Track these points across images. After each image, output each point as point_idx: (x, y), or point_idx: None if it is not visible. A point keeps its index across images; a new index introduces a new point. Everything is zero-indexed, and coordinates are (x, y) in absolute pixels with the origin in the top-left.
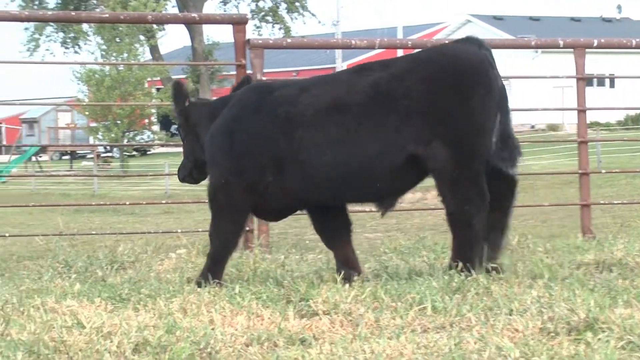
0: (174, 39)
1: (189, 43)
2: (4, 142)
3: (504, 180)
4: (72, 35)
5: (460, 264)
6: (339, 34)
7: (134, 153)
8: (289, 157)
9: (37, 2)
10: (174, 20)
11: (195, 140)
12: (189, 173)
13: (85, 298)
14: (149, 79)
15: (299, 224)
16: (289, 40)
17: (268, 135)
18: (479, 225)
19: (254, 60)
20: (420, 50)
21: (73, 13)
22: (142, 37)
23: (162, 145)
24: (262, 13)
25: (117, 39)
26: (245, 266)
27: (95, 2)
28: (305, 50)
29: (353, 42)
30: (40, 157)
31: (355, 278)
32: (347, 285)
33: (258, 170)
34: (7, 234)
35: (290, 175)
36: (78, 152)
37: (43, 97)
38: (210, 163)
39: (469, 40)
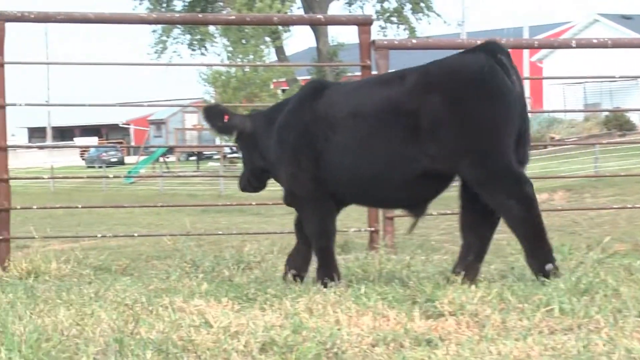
0: (299, 40)
1: (314, 44)
2: (133, 143)
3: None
4: (198, 37)
5: (541, 263)
6: (464, 35)
7: None
8: (324, 156)
9: (164, 5)
10: (299, 21)
11: (252, 149)
12: (248, 182)
13: (213, 297)
14: (274, 80)
15: (425, 224)
16: (414, 40)
17: (311, 132)
18: (536, 212)
19: (379, 61)
20: (429, 62)
21: (200, 15)
22: (267, 39)
23: None
24: (387, 14)
25: (243, 41)
26: (371, 267)
27: (221, 4)
28: (430, 51)
29: (479, 42)
30: (167, 158)
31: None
32: (473, 287)
33: (311, 162)
34: (135, 234)
35: (325, 173)
36: (205, 153)
37: (170, 99)
38: (278, 159)
39: (482, 48)
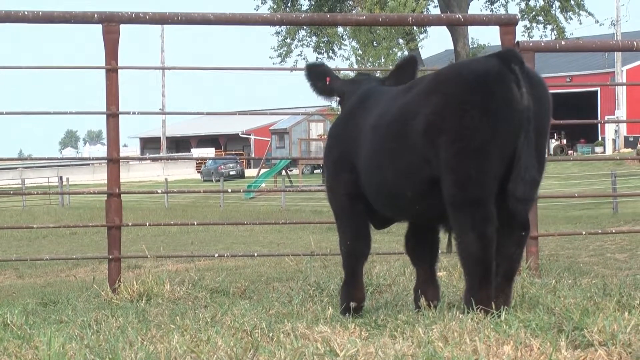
0: (435, 42)
1: (451, 46)
2: (253, 155)
3: (513, 217)
4: (325, 39)
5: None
6: (618, 35)
7: None
8: (357, 165)
9: (289, 5)
10: (436, 21)
11: None
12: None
13: (339, 324)
14: None
15: (573, 244)
16: (562, 42)
17: (350, 142)
18: (491, 254)
19: None
20: (443, 68)
21: (328, 15)
22: (400, 41)
23: None
24: (533, 13)
25: (374, 43)
26: (513, 291)
27: (351, 3)
28: (580, 53)
29: (635, 43)
30: (290, 170)
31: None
32: (626, 314)
33: (347, 174)
34: (255, 254)
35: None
36: None
37: (294, 107)
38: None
39: (497, 55)
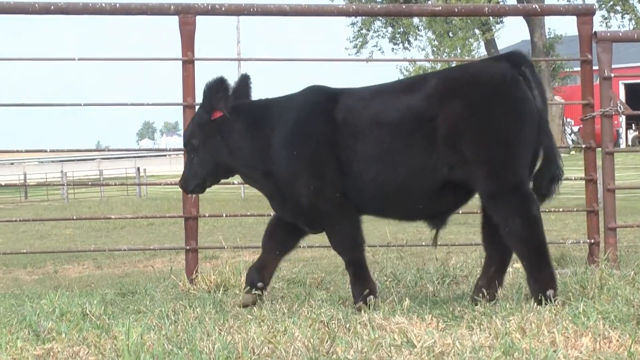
0: (511, 32)
1: (527, 37)
2: None
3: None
4: (401, 30)
5: (542, 287)
6: None
7: None
8: (348, 167)
9: None
10: (512, 12)
11: (221, 144)
12: (202, 182)
13: (415, 315)
14: None
15: None
16: None
17: (334, 142)
18: (540, 233)
19: (601, 55)
20: (453, 67)
21: (403, 6)
22: (477, 31)
23: None
24: (610, 2)
25: (450, 34)
26: (590, 282)
27: None
28: None
29: None
30: None
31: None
32: None
33: (336, 174)
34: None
35: (348, 185)
36: None
37: None
38: (292, 174)
39: (506, 57)
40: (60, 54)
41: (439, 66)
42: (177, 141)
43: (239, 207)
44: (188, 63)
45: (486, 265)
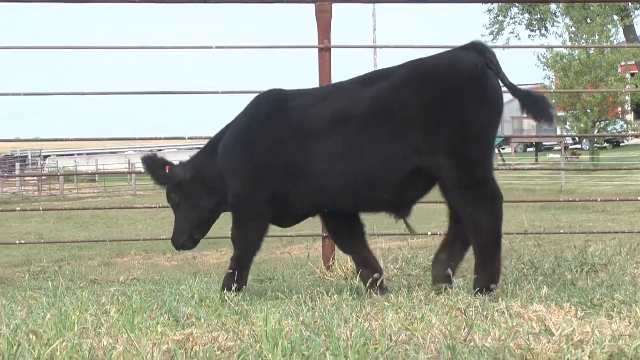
0: None
1: None
2: None
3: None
4: (538, 16)
5: (487, 279)
6: None
7: (605, 145)
8: (303, 167)
9: None
10: None
11: (199, 192)
12: (189, 236)
13: (554, 303)
14: (622, 63)
15: None
16: None
17: (282, 146)
18: (500, 228)
19: None
20: (422, 58)
21: None
22: (615, 17)
23: (637, 136)
24: None
25: (588, 20)
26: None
27: None
28: None
29: None
30: (503, 149)
31: (375, 276)
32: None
33: (278, 179)
34: None
35: (306, 184)
36: (543, 143)
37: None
38: (230, 173)
39: (470, 46)
40: (197, 42)
41: (576, 53)
42: None
43: None
44: (324, 51)
45: (449, 239)
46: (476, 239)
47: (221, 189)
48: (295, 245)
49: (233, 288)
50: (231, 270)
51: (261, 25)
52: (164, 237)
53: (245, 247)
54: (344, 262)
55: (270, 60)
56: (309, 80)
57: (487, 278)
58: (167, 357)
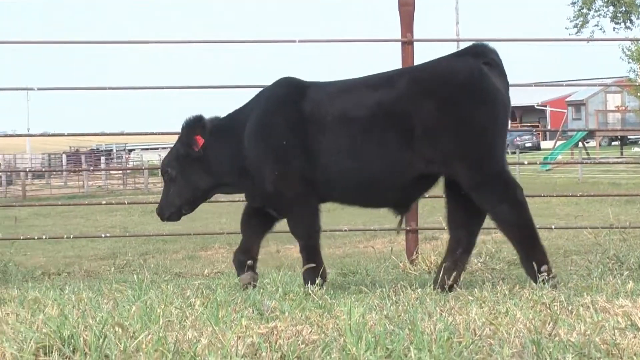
0: None
1: None
2: (549, 127)
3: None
4: (623, 9)
5: (542, 265)
6: None
7: None
8: (315, 157)
9: None
10: None
11: (197, 170)
12: (178, 209)
13: (639, 297)
14: None
15: None
16: None
17: (300, 132)
18: (528, 216)
19: None
20: (420, 65)
21: None
22: None
23: None
24: None
25: None
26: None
27: None
28: None
29: None
30: (587, 142)
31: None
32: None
33: (301, 162)
34: (552, 226)
35: (314, 174)
36: (629, 137)
37: (590, 78)
38: (257, 160)
39: (469, 51)
40: (278, 36)
41: None
42: None
43: None
44: (407, 44)
45: (452, 247)
46: (509, 234)
47: (221, 173)
48: (379, 239)
49: (317, 281)
50: (306, 262)
51: (342, 19)
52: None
53: (305, 234)
54: (427, 256)
55: (352, 54)
56: None
57: (537, 266)
58: (252, 350)
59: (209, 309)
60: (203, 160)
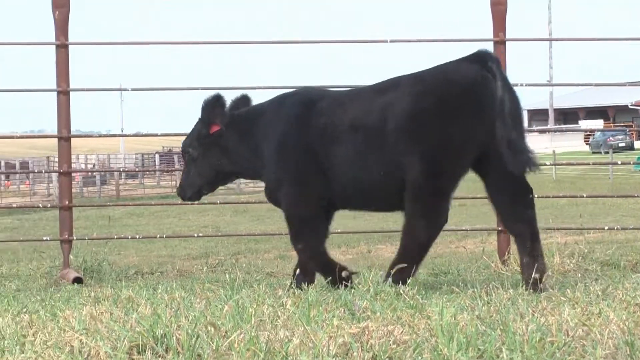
0: None
1: None
2: None
3: (517, 187)
4: None
5: (393, 273)
6: None
7: None
8: (327, 172)
9: None
10: None
11: (221, 152)
12: (198, 190)
13: None
14: None
15: None
16: None
17: (313, 148)
18: (426, 241)
19: None
20: (426, 70)
21: None
22: None
23: None
24: None
25: None
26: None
27: None
28: None
29: None
30: None
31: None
32: None
33: (317, 181)
34: None
35: (327, 188)
36: None
37: None
38: (278, 179)
39: (473, 58)
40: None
41: None
42: None
43: (550, 189)
44: (500, 44)
45: (520, 244)
46: (404, 242)
47: (240, 163)
48: (470, 240)
49: (303, 285)
50: (302, 269)
51: (431, 17)
52: (339, 230)
53: (311, 253)
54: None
55: (441, 54)
56: None
57: (398, 276)
58: (343, 350)
59: (300, 308)
60: (223, 146)
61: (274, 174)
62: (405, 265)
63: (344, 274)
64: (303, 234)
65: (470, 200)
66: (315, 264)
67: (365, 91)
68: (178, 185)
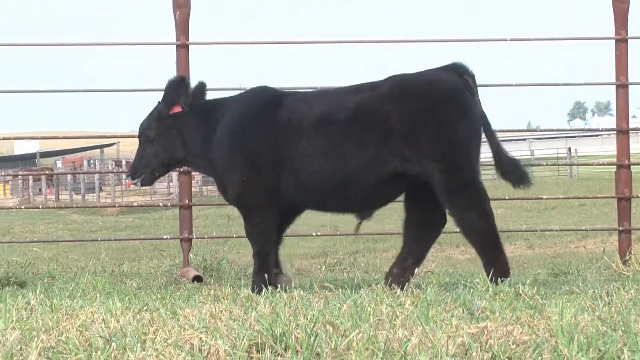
0: None
1: None
2: None
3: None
4: None
5: (499, 274)
6: None
7: None
8: (287, 162)
9: None
10: None
11: (175, 137)
12: (152, 171)
13: None
14: None
15: None
16: None
17: (273, 140)
18: (493, 226)
19: None
20: (402, 74)
21: None
22: None
23: None
24: None
25: None
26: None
27: None
28: None
29: None
30: None
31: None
32: None
33: (271, 170)
34: None
35: (285, 181)
36: None
37: None
38: (229, 164)
39: (451, 68)
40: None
41: None
42: (609, 121)
43: None
44: (621, 42)
45: (403, 255)
46: (474, 241)
47: (192, 149)
48: (590, 239)
49: (262, 286)
50: (257, 268)
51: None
52: (456, 230)
53: (262, 241)
54: None
55: (570, 50)
56: (606, 72)
57: (497, 275)
58: (462, 350)
59: (419, 308)
60: (180, 130)
61: (226, 158)
62: (498, 260)
63: (280, 279)
64: (253, 221)
65: (590, 200)
66: (259, 258)
67: (338, 91)
68: (130, 166)
